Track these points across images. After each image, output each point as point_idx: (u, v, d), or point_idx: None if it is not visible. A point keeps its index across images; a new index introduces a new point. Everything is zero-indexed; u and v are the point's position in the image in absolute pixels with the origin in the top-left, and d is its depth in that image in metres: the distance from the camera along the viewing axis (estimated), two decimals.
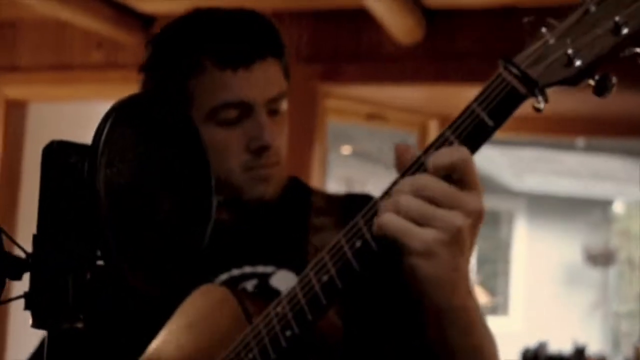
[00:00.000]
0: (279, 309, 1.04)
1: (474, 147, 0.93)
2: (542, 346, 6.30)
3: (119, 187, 0.76)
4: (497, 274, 10.60)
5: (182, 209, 0.83)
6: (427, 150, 0.95)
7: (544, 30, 0.90)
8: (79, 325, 0.79)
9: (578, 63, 0.88)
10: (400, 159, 0.97)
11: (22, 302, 0.76)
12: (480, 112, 0.92)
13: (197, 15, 1.30)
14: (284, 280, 1.24)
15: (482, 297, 8.33)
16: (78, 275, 0.77)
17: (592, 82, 0.89)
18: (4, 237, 0.75)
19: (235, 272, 1.27)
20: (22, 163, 3.81)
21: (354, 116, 3.84)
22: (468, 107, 0.93)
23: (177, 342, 1.17)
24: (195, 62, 1.25)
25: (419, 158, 0.95)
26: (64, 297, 0.77)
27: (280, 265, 1.26)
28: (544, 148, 8.75)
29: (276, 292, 1.20)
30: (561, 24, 0.90)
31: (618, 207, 10.91)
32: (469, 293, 0.99)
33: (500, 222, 10.63)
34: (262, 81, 1.26)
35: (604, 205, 10.53)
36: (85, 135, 0.77)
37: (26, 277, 0.77)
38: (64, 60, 3.70)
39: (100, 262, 0.78)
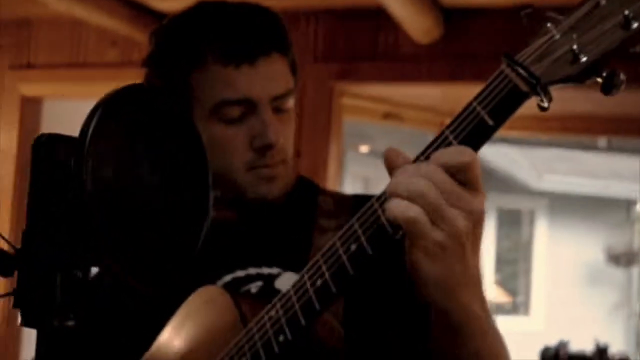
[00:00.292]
0: (272, 312, 1.01)
1: (474, 148, 0.89)
2: (562, 345, 6.23)
3: (109, 182, 0.74)
4: (518, 274, 10.54)
5: (177, 204, 0.80)
6: (425, 151, 0.91)
7: (549, 25, 0.86)
8: (70, 323, 0.76)
9: (583, 59, 0.84)
10: (391, 164, 0.93)
11: None
12: (481, 111, 0.88)
13: (200, 9, 1.27)
14: (289, 283, 1.21)
15: (502, 297, 8.27)
16: (68, 273, 0.75)
17: (599, 79, 0.86)
18: None
19: (240, 273, 1.24)
20: None
21: (370, 115, 3.81)
22: (468, 105, 0.90)
23: (173, 344, 1.15)
24: (197, 56, 1.22)
25: (417, 159, 0.91)
26: (53, 295, 0.75)
27: (286, 267, 1.23)
28: (565, 148, 8.68)
29: None
30: (568, 18, 0.86)
31: None
32: (476, 299, 0.94)
33: (521, 221, 10.57)
34: (266, 78, 1.23)
35: (627, 205, 10.43)
36: None
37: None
38: (79, 58, 3.71)
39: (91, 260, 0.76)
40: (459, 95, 3.61)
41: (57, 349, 0.77)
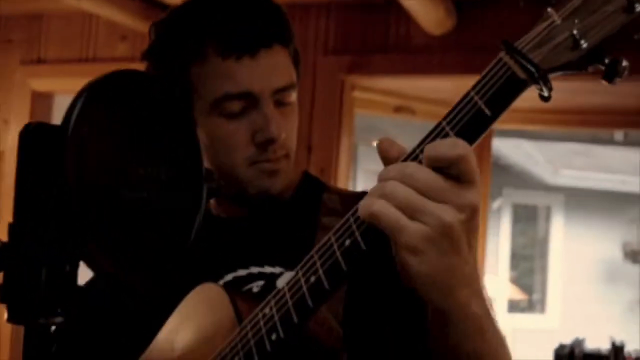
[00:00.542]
0: (267, 310, 0.99)
1: (471, 139, 0.86)
2: (577, 343, 6.18)
3: (94, 172, 0.72)
4: (533, 271, 10.46)
5: (168, 196, 0.78)
6: (422, 143, 0.88)
7: (550, 10, 0.83)
8: (58, 320, 0.74)
9: (584, 45, 0.81)
10: (385, 155, 0.90)
11: None
12: (478, 101, 0.85)
13: (201, 1, 1.25)
14: None
15: (517, 294, 8.22)
16: (55, 267, 0.73)
17: (602, 66, 0.83)
18: None
19: (241, 272, 1.23)
20: None
21: (381, 109, 3.79)
22: (466, 95, 0.87)
23: (170, 342, 1.13)
24: (196, 48, 1.21)
25: (413, 151, 0.88)
26: (40, 291, 0.73)
27: (288, 266, 1.21)
28: (581, 142, 8.60)
29: None
30: (570, 2, 0.83)
31: None
32: (475, 297, 0.91)
33: (537, 217, 10.49)
34: (268, 70, 1.21)
35: None
36: None
37: None
38: (89, 53, 3.71)
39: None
40: None
41: (45, 346, 0.75)
